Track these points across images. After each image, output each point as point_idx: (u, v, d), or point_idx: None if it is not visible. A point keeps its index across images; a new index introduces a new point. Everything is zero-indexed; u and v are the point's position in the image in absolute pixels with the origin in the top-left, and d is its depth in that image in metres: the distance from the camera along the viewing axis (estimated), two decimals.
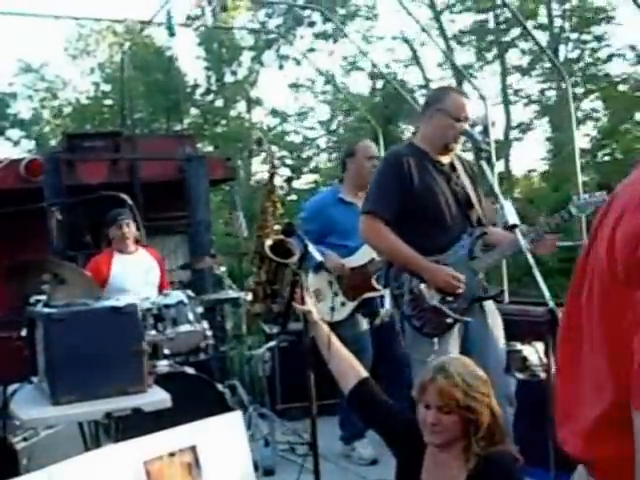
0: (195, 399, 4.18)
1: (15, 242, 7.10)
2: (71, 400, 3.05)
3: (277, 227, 4.23)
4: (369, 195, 3.80)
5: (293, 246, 3.37)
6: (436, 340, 3.54)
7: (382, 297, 4.85)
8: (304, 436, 4.78)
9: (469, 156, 4.25)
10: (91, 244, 6.43)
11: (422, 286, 3.57)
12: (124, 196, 4.38)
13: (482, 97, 6.16)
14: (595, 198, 3.51)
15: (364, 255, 4.78)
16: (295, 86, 24.33)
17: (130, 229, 5.30)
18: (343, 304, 4.81)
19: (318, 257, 3.20)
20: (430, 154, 3.72)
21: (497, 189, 3.32)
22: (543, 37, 19.86)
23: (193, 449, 2.06)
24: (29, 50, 45.56)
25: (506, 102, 21.44)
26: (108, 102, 24.87)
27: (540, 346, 3.38)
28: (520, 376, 3.56)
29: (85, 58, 26.90)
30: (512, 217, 3.13)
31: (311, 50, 22.70)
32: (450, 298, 3.56)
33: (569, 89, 6.39)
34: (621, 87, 19.01)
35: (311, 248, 3.11)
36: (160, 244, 6.12)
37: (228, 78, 25.18)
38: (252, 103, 25.14)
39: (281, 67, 23.68)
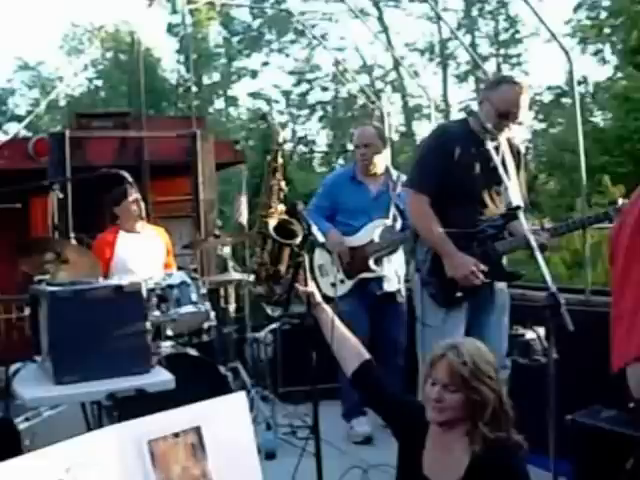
0: (197, 381, 4.23)
1: (20, 221, 7.17)
2: (74, 380, 3.08)
3: (281, 207, 4.27)
4: (413, 167, 4.01)
5: (296, 226, 3.40)
6: (445, 310, 3.77)
7: (379, 279, 5.01)
8: (306, 419, 4.84)
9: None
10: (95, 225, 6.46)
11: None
12: (125, 174, 4.40)
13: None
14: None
15: (364, 236, 4.93)
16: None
17: (140, 203, 5.29)
18: (342, 281, 4.96)
19: (320, 238, 3.24)
20: (477, 133, 3.80)
21: (501, 170, 3.37)
22: None
23: (197, 430, 2.10)
24: (27, 48, 46.63)
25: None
26: (102, 95, 25.64)
27: (541, 331, 3.42)
28: (521, 361, 3.61)
29: (79, 55, 28.88)
30: (516, 199, 3.18)
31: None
32: None
33: None
34: None
35: (314, 229, 3.15)
36: (166, 227, 6.13)
37: (206, 81, 26.33)
38: (230, 100, 26.43)
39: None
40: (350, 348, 2.81)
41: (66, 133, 6.90)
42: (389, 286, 5.09)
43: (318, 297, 2.97)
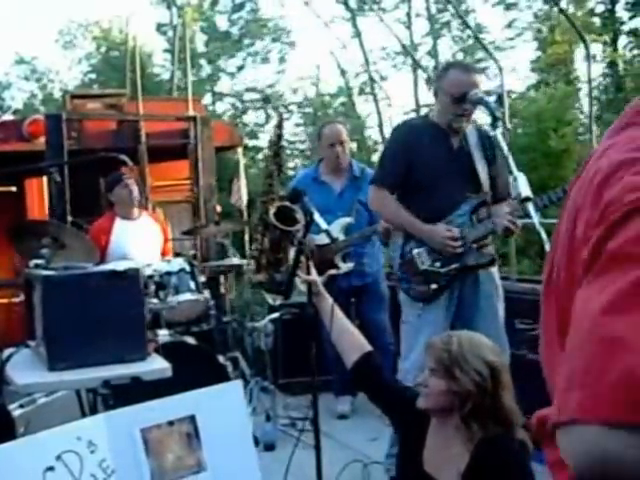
0: (195, 371, 4.20)
1: (15, 205, 7.15)
2: (68, 366, 3.04)
3: (282, 193, 4.27)
4: (378, 164, 4.11)
5: (298, 213, 3.38)
6: (421, 305, 3.79)
7: (347, 274, 5.14)
8: (306, 411, 4.84)
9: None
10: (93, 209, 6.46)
11: (415, 251, 3.81)
12: (124, 157, 4.37)
13: (499, 68, 6.16)
14: None
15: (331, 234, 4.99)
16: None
17: (135, 189, 5.29)
18: None
19: (324, 225, 3.24)
20: (440, 126, 3.88)
21: (511, 160, 3.34)
22: None
23: (192, 419, 2.10)
24: (24, 43, 47.85)
25: None
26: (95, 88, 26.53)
27: None
28: (531, 356, 3.60)
29: (73, 50, 30.01)
30: (525, 190, 3.16)
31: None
32: (437, 264, 3.77)
33: None
34: None
35: (316, 216, 3.14)
36: (163, 212, 6.13)
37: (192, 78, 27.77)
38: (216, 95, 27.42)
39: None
40: (351, 339, 2.81)
41: (63, 115, 6.87)
42: (357, 281, 5.27)
43: (320, 286, 2.96)
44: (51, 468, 1.88)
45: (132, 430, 2.00)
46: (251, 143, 24.14)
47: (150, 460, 1.99)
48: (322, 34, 36.75)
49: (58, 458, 1.89)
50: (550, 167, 16.01)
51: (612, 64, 21.54)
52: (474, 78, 3.75)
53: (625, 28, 21.75)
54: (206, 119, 7.58)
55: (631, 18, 21.01)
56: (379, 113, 24.95)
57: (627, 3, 20.55)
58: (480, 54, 21.55)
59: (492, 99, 3.50)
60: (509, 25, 24.61)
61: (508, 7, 24.50)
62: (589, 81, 7.04)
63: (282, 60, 27.17)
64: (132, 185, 5.25)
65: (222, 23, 28.74)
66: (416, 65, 22.39)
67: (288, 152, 25.22)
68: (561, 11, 11.42)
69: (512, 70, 23.02)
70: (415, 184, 3.85)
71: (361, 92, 26.18)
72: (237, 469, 2.11)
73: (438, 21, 25.64)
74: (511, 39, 24.56)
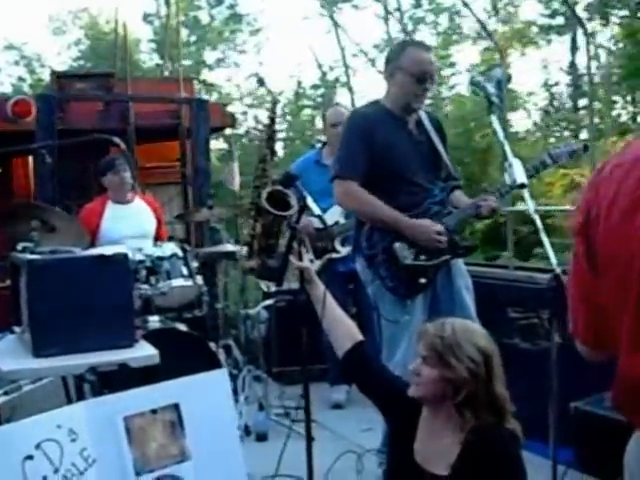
0: (186, 358, 4.19)
1: (1, 186, 7.10)
2: (54, 352, 3.03)
3: (276, 177, 4.26)
4: (337, 158, 3.92)
5: (291, 198, 3.37)
6: (409, 302, 3.72)
7: (346, 258, 5.10)
8: (300, 400, 4.83)
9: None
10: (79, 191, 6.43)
11: (396, 245, 3.71)
12: (118, 140, 4.35)
13: (499, 50, 6.13)
14: (570, 147, 3.65)
15: (330, 217, 5.01)
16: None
17: (127, 176, 5.26)
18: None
19: (316, 210, 3.22)
20: (395, 112, 3.82)
21: (507, 146, 3.33)
22: None
23: (176, 407, 2.09)
24: (13, 29, 48.09)
25: None
26: None
27: (544, 314, 3.41)
28: (523, 345, 3.60)
29: (63, 36, 30.66)
30: (520, 176, 3.15)
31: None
32: (422, 257, 3.71)
33: None
34: None
35: (309, 201, 3.12)
36: (153, 195, 6.08)
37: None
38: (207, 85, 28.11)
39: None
40: (343, 328, 2.80)
41: (53, 95, 6.83)
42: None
43: (313, 273, 2.94)
44: (30, 457, 1.87)
45: (114, 418, 1.99)
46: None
47: (133, 449, 1.98)
48: (300, 28, 37.77)
49: (37, 447, 1.88)
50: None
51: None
52: (430, 56, 3.75)
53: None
54: (202, 101, 7.54)
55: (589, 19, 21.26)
56: (354, 106, 25.25)
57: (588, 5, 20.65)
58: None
59: (491, 84, 3.47)
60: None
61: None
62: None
63: (259, 52, 27.89)
64: (125, 172, 5.22)
65: (203, 17, 29.58)
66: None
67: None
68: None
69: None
70: (380, 174, 3.75)
71: (335, 84, 26.40)
72: (221, 459, 2.10)
73: (413, 17, 25.99)
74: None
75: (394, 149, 3.77)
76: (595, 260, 1.57)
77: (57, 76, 7.58)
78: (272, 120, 4.28)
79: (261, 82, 4.06)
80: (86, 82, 7.36)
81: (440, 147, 3.87)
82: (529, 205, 3.05)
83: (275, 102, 4.34)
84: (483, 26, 10.47)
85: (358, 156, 3.77)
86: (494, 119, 3.46)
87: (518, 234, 10.92)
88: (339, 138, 5.12)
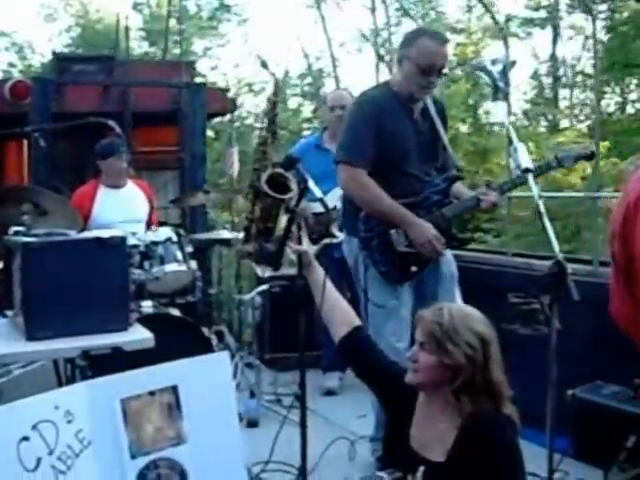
0: (179, 343, 4.16)
1: None
2: (47, 336, 3.02)
3: (276, 160, 4.23)
4: (343, 141, 3.90)
5: (291, 181, 3.34)
6: (398, 287, 3.77)
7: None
8: (292, 387, 4.84)
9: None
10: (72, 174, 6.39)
11: (392, 231, 3.73)
12: (113, 123, 4.33)
13: (503, 38, 6.14)
14: (576, 152, 3.66)
15: (330, 202, 4.96)
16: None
17: (123, 165, 5.23)
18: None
19: (318, 193, 3.20)
20: (401, 97, 3.80)
21: (512, 130, 3.31)
22: None
23: (174, 389, 2.08)
24: (4, 15, 48.18)
25: None
26: None
27: (545, 300, 3.40)
28: (523, 331, 3.60)
29: (54, 23, 30.24)
30: (525, 160, 3.13)
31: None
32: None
33: None
34: None
35: (311, 184, 3.11)
36: (148, 180, 6.04)
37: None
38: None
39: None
40: (341, 313, 2.79)
41: (50, 78, 6.78)
42: None
43: (311, 257, 2.93)
44: (26, 438, 1.86)
45: (112, 400, 1.98)
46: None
47: (129, 431, 1.97)
48: (287, 18, 38.06)
49: (34, 427, 1.87)
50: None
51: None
52: (444, 49, 3.71)
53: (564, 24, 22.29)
54: (199, 85, 7.51)
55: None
56: None
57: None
58: None
59: (497, 69, 3.44)
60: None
61: None
62: None
63: (246, 42, 27.80)
64: (124, 160, 5.20)
65: (191, 7, 29.64)
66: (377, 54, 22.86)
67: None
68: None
69: None
70: (385, 161, 3.74)
71: (320, 74, 26.43)
72: (218, 442, 2.09)
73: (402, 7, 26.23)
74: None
75: (398, 140, 3.76)
76: None
77: (57, 58, 7.51)
78: (274, 103, 4.25)
79: (264, 65, 4.03)
80: (87, 64, 7.29)
81: (444, 137, 3.87)
82: (533, 189, 3.03)
83: (278, 85, 4.31)
84: (487, 9, 10.36)
85: (367, 142, 3.74)
86: (499, 104, 3.44)
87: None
88: (340, 120, 5.12)
